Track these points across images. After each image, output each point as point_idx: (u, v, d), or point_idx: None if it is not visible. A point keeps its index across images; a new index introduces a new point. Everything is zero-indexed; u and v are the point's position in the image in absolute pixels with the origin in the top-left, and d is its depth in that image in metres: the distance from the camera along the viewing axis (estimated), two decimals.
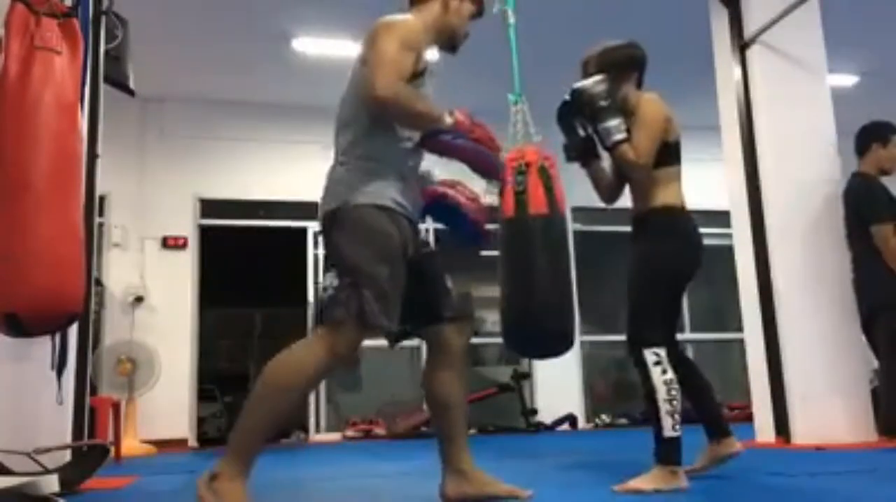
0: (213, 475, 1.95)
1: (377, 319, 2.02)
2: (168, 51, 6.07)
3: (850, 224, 4.06)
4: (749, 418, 4.67)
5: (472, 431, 6.94)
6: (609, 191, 2.85)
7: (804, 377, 4.15)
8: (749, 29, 4.60)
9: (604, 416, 7.45)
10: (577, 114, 2.64)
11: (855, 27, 5.76)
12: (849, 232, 4.10)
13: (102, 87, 3.58)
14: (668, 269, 2.58)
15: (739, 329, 4.65)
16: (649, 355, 2.42)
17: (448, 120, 2.10)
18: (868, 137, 4.09)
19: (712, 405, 2.79)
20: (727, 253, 4.87)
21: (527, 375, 7.23)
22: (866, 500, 2.25)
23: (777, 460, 3.53)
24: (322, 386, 6.94)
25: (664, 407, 2.37)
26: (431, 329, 2.27)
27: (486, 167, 2.17)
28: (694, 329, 8.07)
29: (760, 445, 4.24)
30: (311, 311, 6.99)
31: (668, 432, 2.36)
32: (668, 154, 2.62)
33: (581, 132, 2.69)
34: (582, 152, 2.75)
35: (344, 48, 5.94)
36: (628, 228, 2.74)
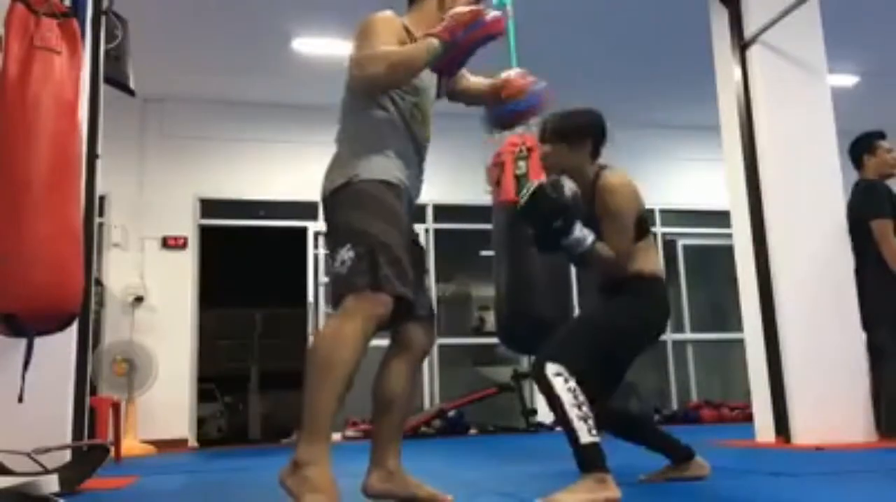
0: (296, 463, 1.95)
1: (394, 284, 2.03)
2: (168, 51, 6.07)
3: (854, 229, 4.14)
4: (749, 418, 4.67)
5: (473, 431, 6.95)
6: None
7: (804, 377, 4.15)
8: (749, 29, 4.60)
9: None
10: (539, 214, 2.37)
11: (855, 27, 5.76)
12: (853, 236, 4.17)
13: (102, 87, 3.58)
14: (631, 333, 2.45)
15: (739, 329, 4.65)
16: (550, 367, 2.23)
17: (436, 44, 2.11)
18: (857, 151, 4.31)
19: (656, 434, 2.67)
20: (727, 253, 4.87)
21: (527, 375, 7.22)
22: (866, 500, 2.25)
23: (777, 460, 3.53)
24: None
25: (573, 412, 2.17)
26: (401, 324, 2.23)
27: (488, 38, 2.18)
28: (694, 329, 8.07)
29: (760, 445, 4.24)
30: (310, 311, 7.01)
31: (585, 438, 2.16)
32: (640, 228, 2.48)
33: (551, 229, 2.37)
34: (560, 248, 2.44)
35: (344, 48, 5.93)
36: None
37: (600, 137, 2.57)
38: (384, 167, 2.17)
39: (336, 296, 2.09)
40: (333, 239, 2.15)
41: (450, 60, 2.20)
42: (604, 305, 2.52)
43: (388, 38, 2.15)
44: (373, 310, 2.02)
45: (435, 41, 2.12)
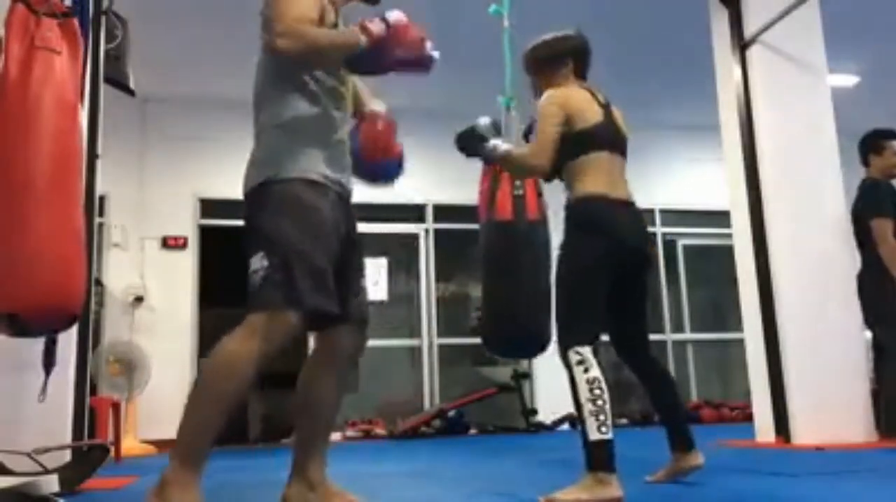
0: (164, 482, 1.84)
1: (311, 299, 1.90)
2: (168, 51, 6.07)
3: (857, 228, 4.16)
4: (749, 418, 4.67)
5: (473, 431, 6.95)
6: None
7: (804, 377, 4.15)
8: (749, 29, 4.60)
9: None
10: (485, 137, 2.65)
11: (855, 27, 5.76)
12: (857, 235, 4.19)
13: (102, 87, 3.58)
14: (586, 265, 2.42)
15: (739, 329, 4.65)
16: (572, 355, 2.28)
17: (363, 39, 1.95)
18: (865, 150, 4.30)
19: (678, 415, 2.63)
20: (727, 253, 4.87)
21: (527, 375, 7.23)
22: (866, 500, 2.25)
23: (777, 460, 3.53)
24: None
25: (587, 407, 2.19)
26: (330, 326, 2.10)
27: (417, 66, 2.04)
28: (694, 329, 8.07)
29: (760, 445, 4.24)
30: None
31: (594, 435, 2.16)
32: (580, 143, 2.48)
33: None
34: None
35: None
36: None
37: (581, 57, 2.66)
38: (306, 163, 2.00)
39: (248, 306, 1.96)
40: (248, 243, 2.00)
41: (358, 66, 2.04)
42: (560, 253, 2.51)
43: (307, 4, 1.97)
44: (279, 331, 1.90)
45: (364, 38, 1.94)
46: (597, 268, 2.41)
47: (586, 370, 2.24)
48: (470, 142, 2.64)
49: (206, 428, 1.89)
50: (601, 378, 2.23)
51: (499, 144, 2.59)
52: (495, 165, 3.14)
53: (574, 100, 2.52)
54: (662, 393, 2.64)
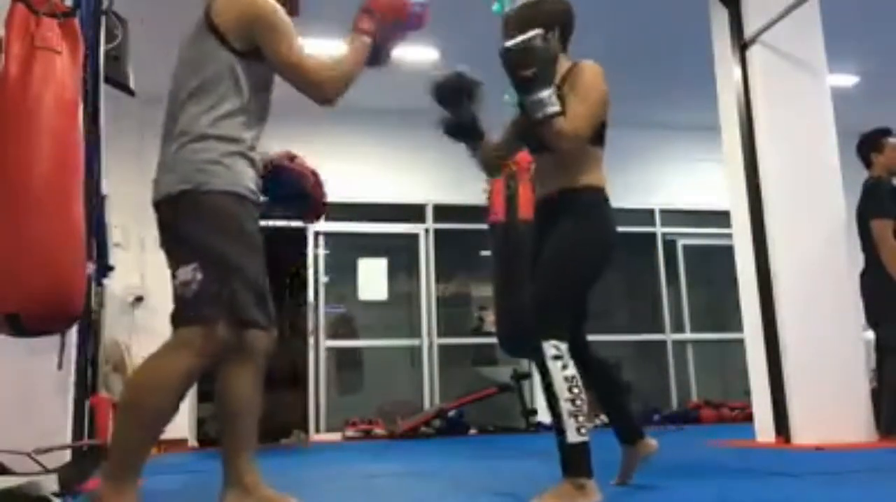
0: (98, 499, 1.82)
1: (251, 313, 1.90)
2: (168, 51, 6.06)
3: (860, 228, 4.18)
4: (749, 418, 4.67)
5: (473, 431, 6.95)
6: (493, 159, 2.56)
7: (804, 377, 4.15)
8: (749, 29, 4.60)
9: (603, 416, 7.44)
10: (470, 88, 2.38)
11: (855, 27, 5.76)
12: (860, 235, 4.20)
13: (102, 86, 3.58)
14: (596, 254, 2.30)
15: (739, 329, 4.65)
16: (548, 348, 2.11)
17: (367, 40, 2.07)
18: (866, 149, 4.32)
19: (624, 406, 2.53)
20: (727, 253, 4.87)
21: (527, 375, 7.22)
22: (866, 500, 2.25)
23: (777, 460, 3.53)
24: (322, 387, 6.95)
25: (566, 406, 2.05)
26: (242, 332, 2.02)
27: (414, 29, 2.12)
28: (694, 329, 8.07)
29: (760, 445, 4.24)
30: (310, 311, 7.02)
31: (574, 437, 2.05)
32: (601, 135, 2.36)
33: (469, 111, 2.41)
34: (471, 132, 2.47)
35: (344, 48, 5.94)
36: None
37: (568, 25, 2.45)
38: (233, 177, 1.97)
39: (177, 319, 1.90)
40: (175, 252, 1.96)
41: (375, 64, 2.12)
42: (565, 242, 2.29)
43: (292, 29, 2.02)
44: (213, 345, 1.87)
45: (367, 40, 2.05)
46: (601, 264, 2.32)
47: (564, 367, 2.09)
48: (458, 94, 2.35)
49: (138, 446, 1.85)
50: (578, 376, 2.11)
51: (554, 102, 2.18)
52: (508, 164, 3.10)
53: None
54: (604, 381, 2.50)
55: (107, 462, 1.84)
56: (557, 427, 2.10)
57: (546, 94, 2.16)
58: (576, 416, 2.06)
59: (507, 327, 3.44)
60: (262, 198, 2.15)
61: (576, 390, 2.08)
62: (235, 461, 2.06)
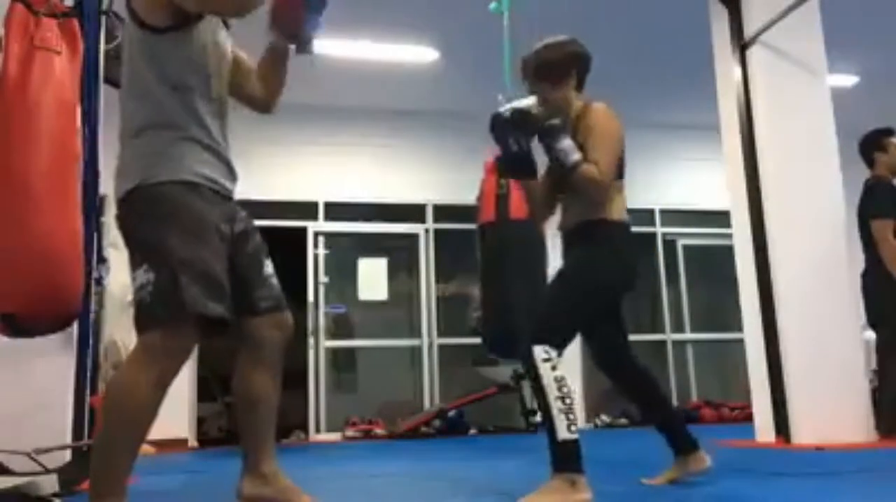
0: None
1: (202, 306, 1.79)
2: None
3: (861, 228, 4.18)
4: (749, 418, 4.67)
5: (473, 431, 6.95)
6: (544, 209, 2.63)
7: (804, 377, 4.15)
8: (749, 29, 4.60)
9: (603, 416, 7.45)
10: (515, 130, 2.38)
11: (855, 27, 5.76)
12: (861, 236, 4.21)
13: (102, 86, 3.58)
14: (605, 284, 2.40)
15: (739, 329, 4.65)
16: (538, 351, 2.18)
17: None
18: (869, 149, 4.32)
19: (674, 418, 2.60)
20: (727, 253, 4.87)
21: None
22: (866, 500, 2.25)
23: (777, 460, 3.53)
24: (322, 387, 6.95)
25: (556, 405, 2.12)
26: (245, 322, 2.05)
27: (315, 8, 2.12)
28: (694, 329, 8.07)
29: (760, 445, 4.24)
30: (310, 311, 7.02)
31: (564, 434, 2.11)
32: (620, 167, 2.47)
33: (516, 148, 2.41)
34: (523, 169, 2.51)
35: (344, 48, 5.95)
36: None
37: (584, 68, 2.57)
38: (176, 165, 1.89)
39: (137, 325, 1.83)
40: (131, 257, 1.88)
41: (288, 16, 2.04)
42: (578, 263, 2.43)
43: None
44: (177, 346, 1.81)
45: None
46: (613, 290, 2.45)
47: (554, 368, 2.17)
48: (527, 131, 2.34)
49: (121, 458, 1.79)
50: (566, 377, 2.18)
51: (573, 146, 2.32)
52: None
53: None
54: (652, 394, 2.59)
55: (90, 485, 1.78)
56: (548, 425, 2.16)
57: (569, 142, 2.31)
58: (566, 414, 2.13)
59: (494, 327, 3.44)
60: (231, 185, 2.08)
61: (565, 389, 2.15)
62: (254, 450, 2.08)
